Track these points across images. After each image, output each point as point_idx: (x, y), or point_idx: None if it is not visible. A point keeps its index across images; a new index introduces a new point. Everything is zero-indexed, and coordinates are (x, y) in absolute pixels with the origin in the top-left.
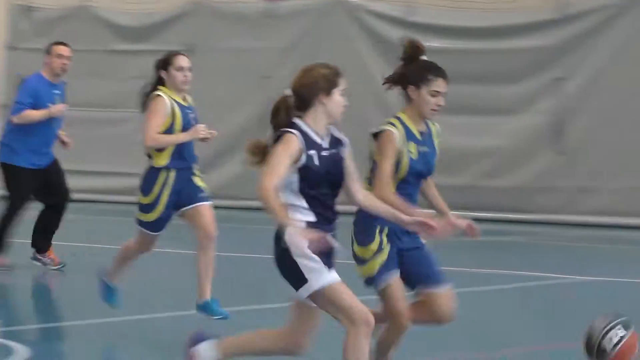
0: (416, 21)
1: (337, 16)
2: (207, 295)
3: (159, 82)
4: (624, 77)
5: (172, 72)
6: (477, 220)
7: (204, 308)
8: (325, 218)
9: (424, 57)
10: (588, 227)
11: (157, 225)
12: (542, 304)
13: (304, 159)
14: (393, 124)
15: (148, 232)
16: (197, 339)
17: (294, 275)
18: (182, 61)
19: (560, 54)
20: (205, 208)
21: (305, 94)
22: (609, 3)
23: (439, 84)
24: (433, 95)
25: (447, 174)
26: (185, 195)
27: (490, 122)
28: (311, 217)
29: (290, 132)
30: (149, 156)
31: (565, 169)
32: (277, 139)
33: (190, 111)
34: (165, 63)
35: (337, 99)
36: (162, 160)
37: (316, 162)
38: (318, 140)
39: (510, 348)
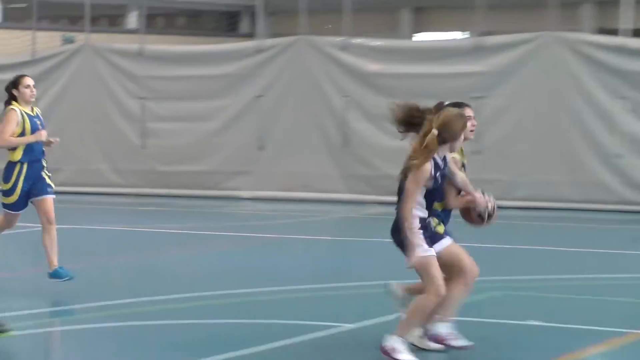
0: None
1: None
2: (55, 264)
3: (12, 97)
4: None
5: (21, 89)
6: None
7: (54, 275)
8: (430, 213)
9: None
10: None
11: (16, 206)
12: None
13: (432, 183)
14: None
15: (10, 211)
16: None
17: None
18: (28, 80)
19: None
20: (49, 199)
21: (446, 135)
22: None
23: (468, 111)
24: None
25: None
26: (36, 188)
27: None
28: (424, 214)
29: (426, 165)
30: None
31: None
32: (410, 168)
33: (37, 119)
34: (15, 83)
35: (461, 139)
36: (17, 156)
37: (439, 181)
38: (440, 163)
39: None
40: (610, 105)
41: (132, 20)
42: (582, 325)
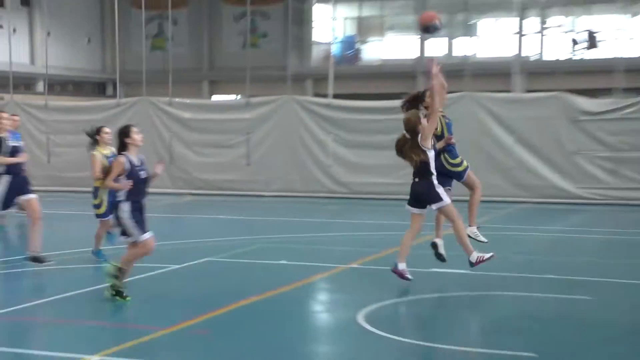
0: None
1: None
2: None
3: (96, 141)
4: None
5: (102, 135)
6: None
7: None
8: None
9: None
10: None
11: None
12: None
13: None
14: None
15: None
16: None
17: (436, 197)
18: (108, 129)
19: None
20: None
21: (413, 130)
22: None
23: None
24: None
25: None
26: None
27: None
28: (435, 171)
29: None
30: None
31: None
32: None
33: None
34: (98, 131)
35: (424, 128)
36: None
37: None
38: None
39: None
40: (323, 137)
41: (40, 86)
42: (311, 262)
